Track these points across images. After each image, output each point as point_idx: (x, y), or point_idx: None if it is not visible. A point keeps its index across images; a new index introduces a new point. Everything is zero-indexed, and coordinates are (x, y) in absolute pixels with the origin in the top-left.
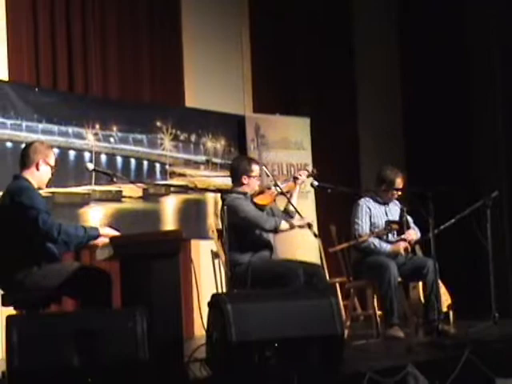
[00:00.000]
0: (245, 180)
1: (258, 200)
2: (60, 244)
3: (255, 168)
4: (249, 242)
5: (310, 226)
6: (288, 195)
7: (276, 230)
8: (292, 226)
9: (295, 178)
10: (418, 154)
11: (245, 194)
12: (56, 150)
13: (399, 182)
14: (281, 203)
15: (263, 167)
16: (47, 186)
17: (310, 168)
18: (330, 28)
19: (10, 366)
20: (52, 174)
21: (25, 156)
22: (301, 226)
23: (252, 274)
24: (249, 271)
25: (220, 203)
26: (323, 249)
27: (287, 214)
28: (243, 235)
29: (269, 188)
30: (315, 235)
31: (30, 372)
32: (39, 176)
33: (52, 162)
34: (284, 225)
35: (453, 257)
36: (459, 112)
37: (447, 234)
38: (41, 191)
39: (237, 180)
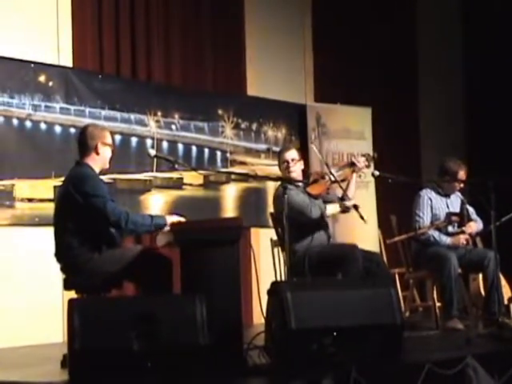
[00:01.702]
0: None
1: (311, 189)
2: (126, 232)
3: (289, 154)
4: (305, 229)
5: (356, 207)
6: (345, 184)
7: (322, 217)
8: (338, 210)
9: (352, 164)
10: (479, 145)
11: (303, 182)
12: (118, 137)
13: (462, 174)
14: (339, 190)
15: (318, 155)
16: (108, 171)
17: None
18: (393, 17)
19: (72, 348)
20: (112, 152)
21: (82, 143)
22: (347, 208)
23: (310, 261)
24: (306, 258)
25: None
26: (383, 239)
27: (343, 201)
28: (298, 223)
29: (323, 177)
30: (362, 217)
31: (90, 355)
32: (101, 159)
33: (109, 140)
34: (329, 210)
35: None
36: None
37: (509, 226)
38: (102, 177)
39: (281, 171)
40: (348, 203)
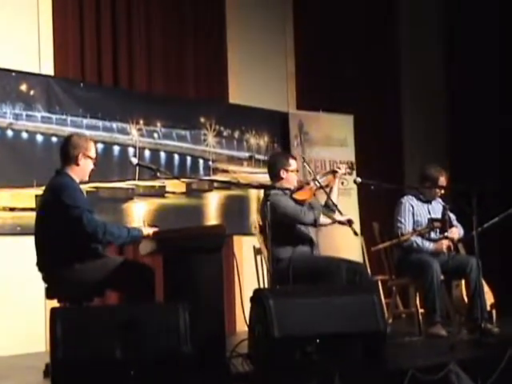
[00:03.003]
0: (283, 174)
1: (297, 196)
2: (103, 244)
3: (293, 162)
4: (290, 237)
5: (350, 223)
6: (327, 189)
7: (315, 224)
8: (333, 221)
9: (334, 172)
10: (461, 152)
11: (288, 189)
12: (100, 145)
13: (443, 180)
14: (322, 197)
15: (304, 162)
16: (90, 180)
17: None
18: (375, 26)
19: (54, 358)
20: (94, 165)
21: (64, 151)
22: (341, 222)
23: (293, 270)
24: (290, 267)
25: (261, 199)
26: (365, 246)
27: (328, 208)
28: (284, 231)
29: (308, 183)
30: (355, 233)
31: (73, 364)
32: (80, 170)
33: (92, 154)
34: (324, 219)
35: (496, 255)
36: (505, 108)
37: (490, 232)
38: (85, 186)
39: (275, 176)
40: (343, 218)
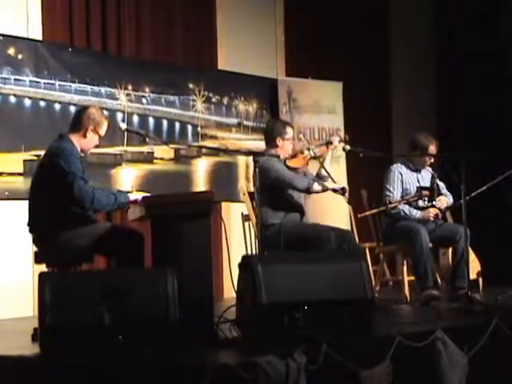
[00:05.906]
0: (279, 142)
1: (291, 163)
2: (90, 211)
3: (290, 131)
4: (280, 204)
5: (344, 191)
6: (320, 159)
7: (309, 191)
8: (325, 188)
9: (329, 143)
10: (450, 120)
11: (278, 156)
12: None
13: (432, 149)
14: (313, 168)
15: (300, 133)
16: None
17: (342, 133)
18: None
19: (42, 322)
20: (100, 143)
21: (77, 119)
22: (335, 190)
23: (283, 237)
24: (280, 234)
25: (252, 166)
26: (353, 214)
27: (320, 178)
28: (275, 197)
29: (302, 152)
30: (349, 202)
31: (61, 329)
32: (85, 142)
33: (102, 132)
34: (317, 186)
35: (483, 224)
36: (493, 77)
37: (478, 200)
38: None
39: (271, 142)
40: (336, 186)
